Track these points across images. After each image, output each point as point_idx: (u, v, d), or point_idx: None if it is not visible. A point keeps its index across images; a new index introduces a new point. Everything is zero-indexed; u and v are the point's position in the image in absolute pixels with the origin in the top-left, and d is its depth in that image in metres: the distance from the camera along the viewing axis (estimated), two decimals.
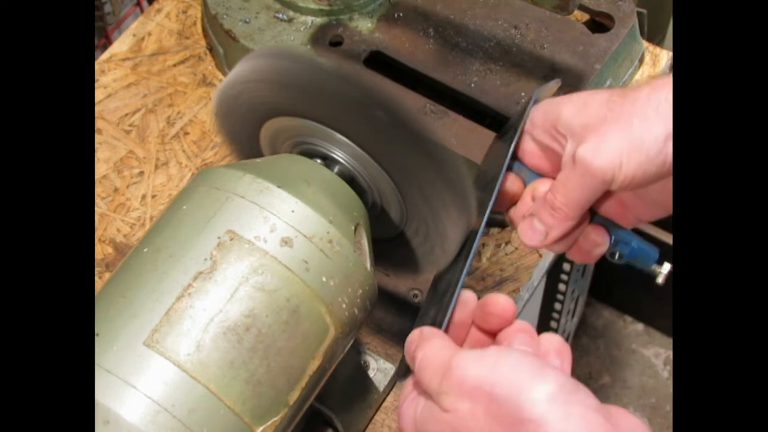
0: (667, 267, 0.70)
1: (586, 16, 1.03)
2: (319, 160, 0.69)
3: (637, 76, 1.05)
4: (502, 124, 0.94)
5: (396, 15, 1.02)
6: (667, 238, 1.40)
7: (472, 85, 0.97)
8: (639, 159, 0.63)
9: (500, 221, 0.95)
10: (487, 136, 0.93)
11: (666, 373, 1.87)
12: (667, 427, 1.84)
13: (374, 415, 0.83)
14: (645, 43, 1.05)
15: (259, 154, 0.74)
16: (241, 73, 0.68)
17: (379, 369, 0.82)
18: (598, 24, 1.03)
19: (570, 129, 0.66)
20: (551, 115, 0.68)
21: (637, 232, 0.74)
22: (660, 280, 0.70)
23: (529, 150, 0.71)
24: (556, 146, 0.68)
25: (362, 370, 0.81)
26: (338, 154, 0.68)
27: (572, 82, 0.96)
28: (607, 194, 0.67)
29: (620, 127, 0.63)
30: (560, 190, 0.67)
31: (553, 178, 0.69)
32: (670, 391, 1.85)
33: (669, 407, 1.85)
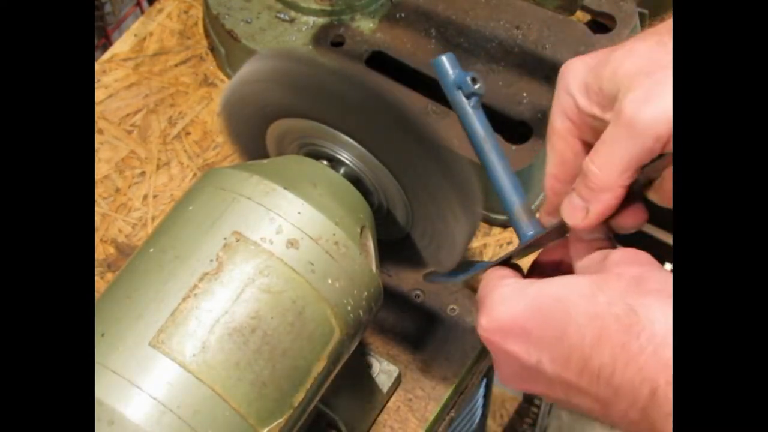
0: (667, 267, 0.70)
1: (587, 17, 1.03)
2: (325, 162, 0.69)
3: None
4: (504, 125, 0.94)
5: (398, 15, 1.02)
6: (667, 238, 1.40)
7: None
8: None
9: (502, 222, 0.95)
10: None
11: None
12: None
13: (378, 416, 0.83)
14: None
15: (265, 155, 0.74)
16: (248, 74, 0.68)
17: (382, 370, 0.82)
18: (600, 24, 1.03)
19: (617, 82, 0.56)
20: (592, 74, 0.58)
21: (636, 231, 0.74)
22: None
23: (566, 128, 0.61)
24: (601, 114, 0.58)
25: (366, 371, 0.81)
26: (344, 156, 0.68)
27: None
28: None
29: None
30: (599, 152, 0.56)
31: None
32: None
33: None
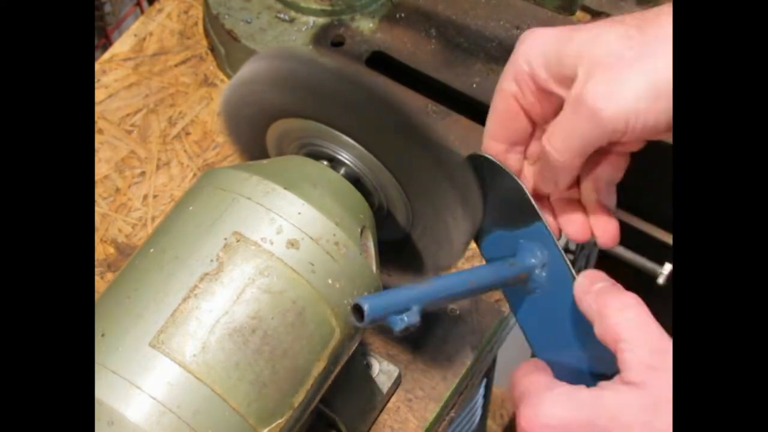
0: (668, 267, 0.70)
1: (587, 17, 1.03)
2: (325, 162, 0.69)
3: None
4: None
5: (398, 15, 1.02)
6: (667, 238, 1.40)
7: (474, 85, 0.97)
8: (662, 106, 0.56)
9: None
10: None
11: None
12: None
13: (378, 416, 0.83)
14: None
15: (265, 155, 0.74)
16: (248, 74, 0.68)
17: (382, 370, 0.82)
18: None
19: (578, 64, 0.58)
20: (553, 48, 0.60)
21: (636, 232, 0.74)
22: (661, 280, 0.70)
23: (521, 92, 0.63)
24: (556, 88, 0.61)
25: (366, 371, 0.81)
26: (345, 156, 0.68)
27: None
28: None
29: (641, 69, 0.56)
30: (555, 135, 0.60)
31: None
32: None
33: None
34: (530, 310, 0.67)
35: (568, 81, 0.60)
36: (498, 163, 0.66)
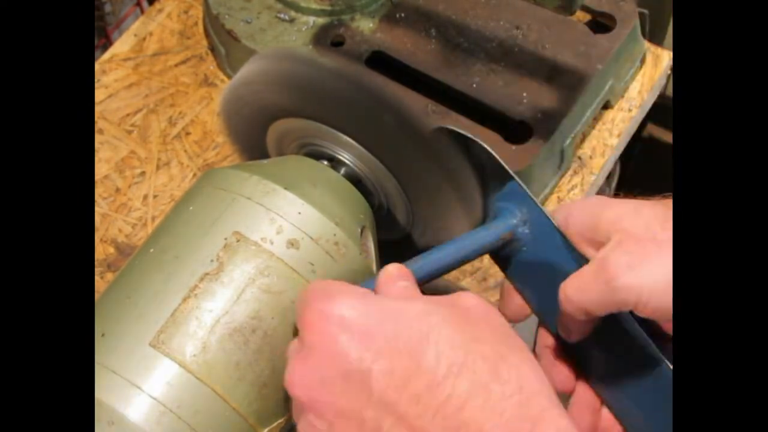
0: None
1: (587, 17, 1.04)
2: (325, 162, 0.69)
3: (639, 77, 1.05)
4: (504, 125, 0.94)
5: (398, 15, 1.02)
6: None
7: (474, 85, 0.97)
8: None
9: None
10: (489, 136, 0.93)
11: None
12: None
13: None
14: (646, 44, 1.05)
15: (265, 155, 0.74)
16: (248, 74, 0.68)
17: None
18: (600, 24, 1.03)
19: (612, 231, 0.59)
20: (589, 215, 0.61)
21: None
22: None
23: None
24: (586, 248, 0.61)
25: None
26: (345, 156, 0.68)
27: (574, 82, 0.97)
28: None
29: (667, 253, 0.55)
30: (572, 283, 0.60)
31: None
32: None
33: None
34: (523, 270, 0.66)
35: (600, 245, 0.59)
36: (463, 132, 0.66)
